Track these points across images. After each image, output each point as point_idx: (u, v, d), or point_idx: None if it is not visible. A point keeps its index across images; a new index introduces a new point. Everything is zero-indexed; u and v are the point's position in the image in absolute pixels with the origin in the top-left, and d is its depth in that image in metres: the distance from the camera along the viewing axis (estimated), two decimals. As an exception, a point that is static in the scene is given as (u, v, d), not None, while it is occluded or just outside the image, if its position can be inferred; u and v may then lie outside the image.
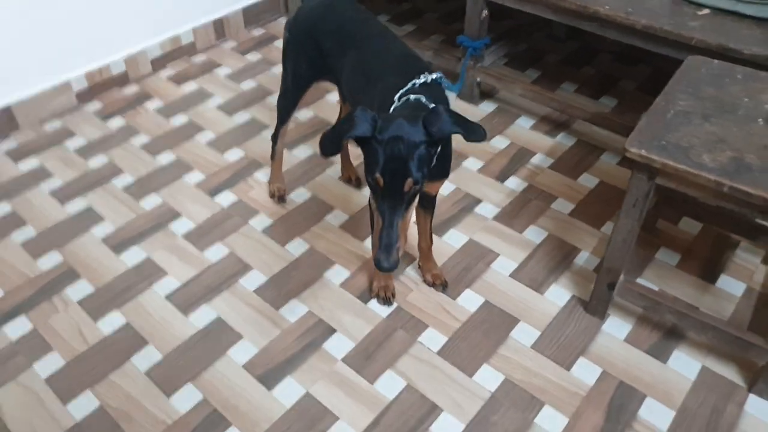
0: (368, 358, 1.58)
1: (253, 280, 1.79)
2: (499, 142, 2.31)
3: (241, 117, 2.44)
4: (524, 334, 1.64)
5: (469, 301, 1.73)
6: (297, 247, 1.90)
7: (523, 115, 2.45)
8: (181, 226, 1.96)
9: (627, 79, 2.63)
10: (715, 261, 1.81)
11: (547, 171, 2.18)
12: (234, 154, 2.25)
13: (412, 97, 1.27)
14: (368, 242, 1.91)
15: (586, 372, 1.55)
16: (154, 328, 1.65)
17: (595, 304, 1.64)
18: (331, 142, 1.19)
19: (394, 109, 1.27)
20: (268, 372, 1.56)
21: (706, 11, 1.86)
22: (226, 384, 1.52)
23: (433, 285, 1.75)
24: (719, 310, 1.68)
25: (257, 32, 3.02)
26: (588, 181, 2.14)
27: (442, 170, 1.38)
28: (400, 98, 1.29)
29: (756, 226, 1.69)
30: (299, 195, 2.08)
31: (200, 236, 1.92)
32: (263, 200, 2.05)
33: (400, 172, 1.13)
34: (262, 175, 2.15)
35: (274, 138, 1.94)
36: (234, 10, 2.98)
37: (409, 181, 1.14)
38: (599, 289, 1.60)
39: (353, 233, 1.95)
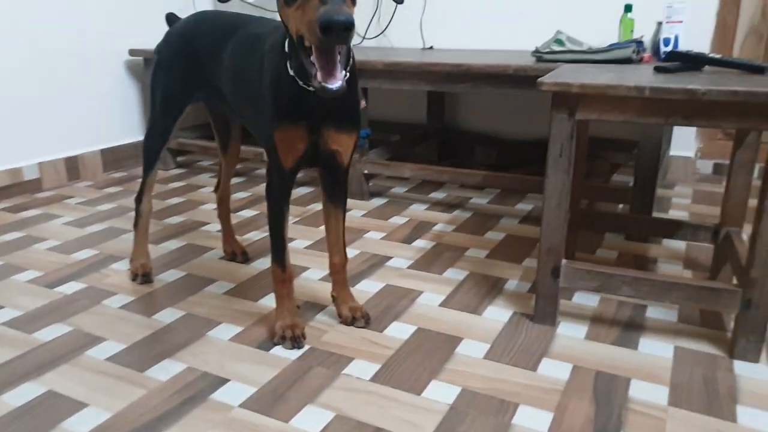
0: (278, 399, 1.19)
1: (106, 349, 1.37)
2: (398, 220, 2.22)
3: (96, 227, 2.14)
4: (472, 348, 1.36)
5: (398, 331, 1.45)
6: (168, 315, 1.53)
7: (415, 202, 2.42)
8: (1, 317, 1.51)
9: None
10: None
11: (452, 233, 2.08)
12: (84, 254, 1.90)
13: None
14: (264, 300, 1.59)
15: (555, 369, 1.28)
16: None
17: (542, 306, 1.43)
18: None
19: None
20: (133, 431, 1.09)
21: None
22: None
23: (353, 320, 1.46)
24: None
25: (118, 174, 2.85)
26: (495, 236, 2.06)
27: (351, 120, 1.24)
28: None
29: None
30: (170, 275, 1.75)
31: (29, 322, 1.49)
32: (122, 283, 1.69)
33: None
34: (122, 266, 1.81)
35: (139, 196, 1.68)
36: (91, 151, 2.82)
37: None
38: (544, 282, 1.41)
39: (243, 296, 1.63)
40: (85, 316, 1.51)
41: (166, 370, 1.29)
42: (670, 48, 2.16)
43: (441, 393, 1.21)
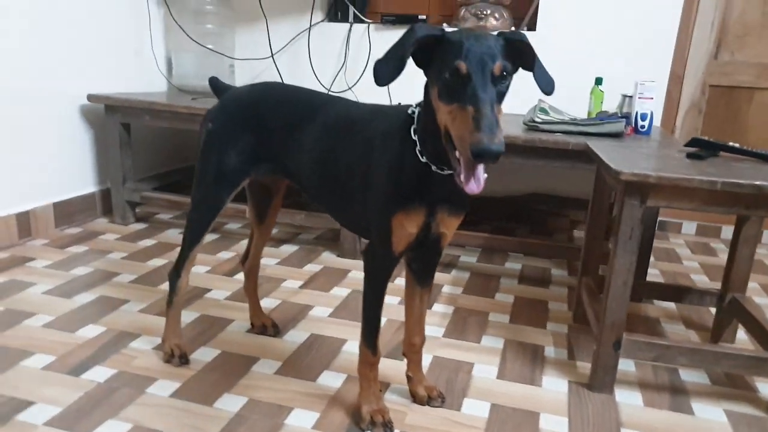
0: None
1: (185, 448, 1.30)
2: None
3: (85, 297, 1.97)
4: (553, 423, 1.44)
5: (474, 407, 1.49)
6: (230, 402, 1.46)
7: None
8: (36, 414, 1.37)
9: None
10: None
11: (464, 296, 2.17)
12: (91, 331, 1.76)
13: None
14: (322, 378, 1.57)
15: (638, 440, 1.38)
16: None
17: (601, 376, 1.55)
18: (392, 58, 1.07)
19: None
20: None
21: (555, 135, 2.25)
22: None
23: (429, 400, 1.47)
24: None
25: (73, 230, 2.63)
26: (505, 298, 2.17)
27: (464, 203, 1.27)
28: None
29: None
30: (203, 354, 1.67)
31: (75, 420, 1.36)
32: (156, 367, 1.59)
33: (488, 55, 1.02)
34: (142, 344, 1.70)
35: (176, 273, 1.59)
36: (43, 204, 2.59)
37: (498, 64, 1.02)
38: (604, 353, 1.53)
39: (298, 375, 1.59)
40: (138, 409, 1.40)
41: (264, 469, 1.24)
42: (647, 123, 2.42)
43: (552, 473, 1.27)
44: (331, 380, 1.56)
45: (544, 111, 2.47)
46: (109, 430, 1.32)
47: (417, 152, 1.18)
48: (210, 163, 1.50)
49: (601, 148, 1.72)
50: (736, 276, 1.82)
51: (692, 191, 1.38)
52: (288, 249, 2.57)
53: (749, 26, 2.84)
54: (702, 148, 1.72)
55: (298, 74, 3.20)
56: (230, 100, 1.52)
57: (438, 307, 2.05)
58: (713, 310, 2.03)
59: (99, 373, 1.54)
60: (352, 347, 1.74)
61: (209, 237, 2.66)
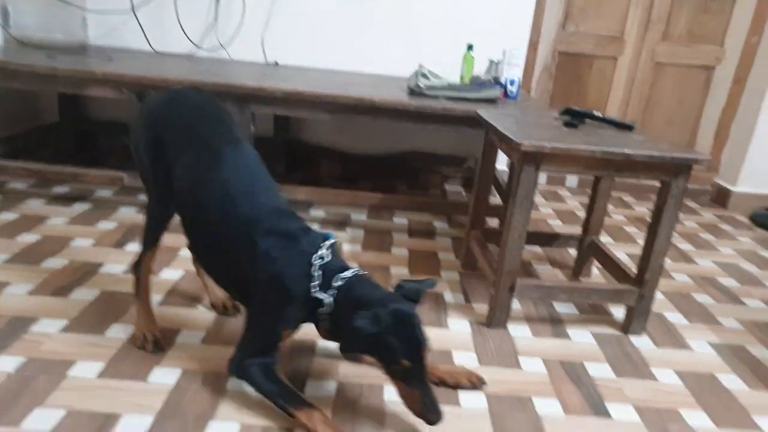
0: None
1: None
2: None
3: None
4: (465, 359, 1.67)
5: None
6: (164, 375, 1.49)
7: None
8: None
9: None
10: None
11: (365, 253, 2.33)
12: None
13: (349, 273, 1.35)
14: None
15: (532, 365, 1.66)
16: None
17: (498, 315, 1.81)
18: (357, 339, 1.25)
19: (344, 290, 1.33)
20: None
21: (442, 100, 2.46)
22: None
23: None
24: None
25: None
26: (400, 252, 2.37)
27: None
28: (333, 278, 1.33)
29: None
30: (118, 331, 1.66)
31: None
32: (70, 349, 1.56)
33: (423, 346, 1.26)
34: (45, 328, 1.64)
35: (136, 266, 1.60)
36: None
37: (428, 351, 1.27)
38: (501, 296, 1.79)
39: (223, 343, 1.65)
40: (66, 394, 1.39)
41: (220, 431, 1.31)
42: (515, 88, 2.71)
43: (472, 399, 1.49)
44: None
45: (425, 76, 2.65)
46: (42, 419, 1.29)
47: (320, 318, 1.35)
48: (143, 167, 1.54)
49: (492, 118, 1.94)
50: (594, 222, 2.18)
51: (577, 159, 1.64)
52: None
53: (589, 1, 3.25)
54: (573, 116, 2.02)
55: (162, 31, 3.05)
56: (143, 111, 1.54)
57: (340, 265, 2.19)
58: (572, 251, 2.41)
59: (6, 363, 1.48)
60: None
61: (80, 207, 2.52)
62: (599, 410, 1.48)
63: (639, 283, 1.81)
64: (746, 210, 3.32)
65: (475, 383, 1.52)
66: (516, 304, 1.99)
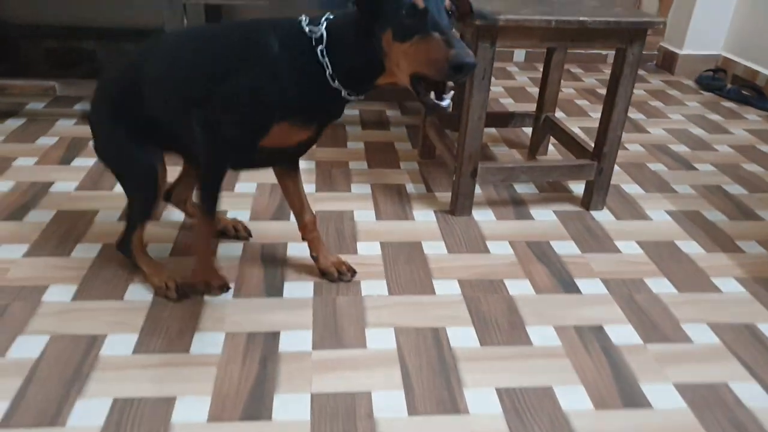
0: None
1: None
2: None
3: None
4: (434, 248, 1.71)
5: (368, 249, 1.70)
6: (138, 292, 1.49)
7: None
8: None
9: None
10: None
11: (319, 149, 2.29)
12: (-70, 252, 1.58)
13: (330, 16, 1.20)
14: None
15: (500, 248, 1.73)
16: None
17: (462, 202, 1.84)
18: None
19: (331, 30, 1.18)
20: (248, 399, 1.19)
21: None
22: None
23: (340, 275, 1.53)
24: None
25: None
26: (356, 146, 2.34)
27: (341, 110, 1.34)
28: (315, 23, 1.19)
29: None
30: (85, 251, 1.62)
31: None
32: (38, 273, 1.52)
33: None
34: (7, 254, 1.59)
35: (122, 245, 1.50)
36: None
37: (447, 1, 1.08)
38: (464, 182, 1.80)
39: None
40: (46, 320, 1.37)
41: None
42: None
43: (446, 287, 1.55)
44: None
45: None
46: (27, 346, 1.29)
47: (328, 77, 1.19)
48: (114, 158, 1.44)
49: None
50: (548, 98, 2.18)
51: (532, 31, 1.61)
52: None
53: None
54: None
55: None
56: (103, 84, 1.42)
57: (301, 164, 2.15)
58: (527, 130, 2.43)
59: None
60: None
61: (14, 123, 2.37)
62: (569, 287, 1.57)
63: (597, 156, 1.85)
64: (692, 74, 3.38)
65: (344, 273, 1.53)
66: (477, 189, 2.02)
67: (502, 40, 1.61)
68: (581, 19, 1.58)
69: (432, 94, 1.09)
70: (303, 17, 1.22)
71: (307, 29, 1.19)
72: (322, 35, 1.18)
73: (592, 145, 1.90)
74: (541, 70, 2.39)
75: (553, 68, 2.12)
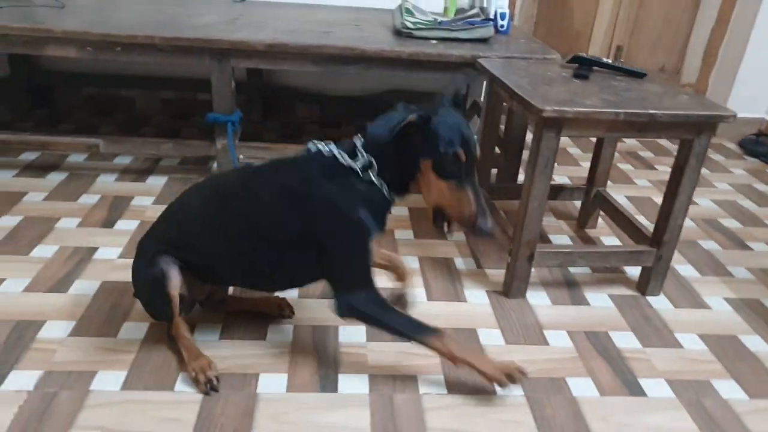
0: None
1: None
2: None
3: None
4: (489, 336, 1.66)
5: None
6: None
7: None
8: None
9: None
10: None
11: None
12: (-26, 328, 1.55)
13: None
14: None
15: (558, 339, 1.67)
16: None
17: (517, 285, 1.79)
18: (385, 127, 1.21)
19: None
20: None
21: (434, 42, 2.31)
22: None
23: None
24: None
25: None
26: (401, 211, 2.30)
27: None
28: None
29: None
30: (133, 331, 1.59)
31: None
32: (88, 359, 1.49)
33: (474, 145, 1.27)
34: (52, 332, 1.56)
35: (170, 333, 1.52)
36: None
37: (479, 154, 1.28)
38: (520, 266, 1.76)
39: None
40: (94, 413, 1.33)
41: None
42: (506, 22, 2.57)
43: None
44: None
45: (409, 12, 2.49)
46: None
47: (385, 193, 1.34)
48: None
49: (499, 70, 1.84)
50: (600, 173, 2.14)
51: (599, 122, 1.57)
52: (157, 181, 2.40)
53: None
54: (582, 65, 1.92)
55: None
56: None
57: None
58: (577, 203, 2.38)
59: (23, 380, 1.40)
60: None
61: (56, 178, 2.36)
62: (633, 388, 1.51)
63: (657, 243, 1.80)
64: (735, 137, 3.33)
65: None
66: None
67: (568, 130, 1.58)
68: (651, 112, 1.55)
69: (445, 225, 1.31)
70: (329, 148, 1.34)
71: (341, 158, 1.32)
72: (371, 162, 1.31)
73: (649, 229, 1.85)
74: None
75: (607, 144, 2.08)
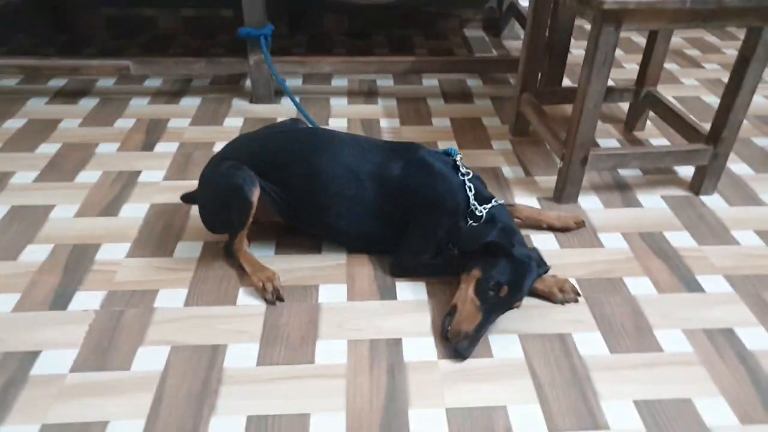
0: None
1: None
2: (337, 123, 2.24)
3: (-3, 211, 1.73)
4: (544, 240, 1.65)
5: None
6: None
7: (333, 96, 2.44)
8: (55, 364, 1.29)
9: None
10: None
11: (404, 127, 2.22)
12: (28, 255, 1.58)
13: (495, 202, 1.48)
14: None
15: (614, 241, 1.66)
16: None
17: (569, 189, 1.77)
18: (473, 240, 1.37)
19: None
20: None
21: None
22: None
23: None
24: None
25: None
26: (442, 122, 2.26)
27: None
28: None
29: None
30: (189, 250, 1.61)
31: (98, 356, 1.30)
32: (149, 278, 1.52)
33: (522, 290, 1.31)
34: (110, 254, 1.59)
35: (228, 250, 1.54)
36: None
37: (521, 301, 1.33)
38: (573, 170, 1.73)
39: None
40: (161, 328, 1.37)
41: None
42: None
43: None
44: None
45: None
46: (149, 358, 1.29)
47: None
48: None
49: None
50: (651, 72, 2.06)
51: (662, 12, 1.49)
52: (191, 102, 2.37)
53: None
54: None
55: None
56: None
57: (386, 145, 2.10)
58: (624, 105, 2.31)
59: (89, 300, 1.44)
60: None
61: (88, 104, 2.35)
62: (691, 285, 1.51)
63: (713, 141, 1.75)
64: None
65: (581, 224, 1.67)
66: (579, 172, 1.94)
67: (628, 23, 1.50)
68: (719, -3, 1.46)
69: (447, 320, 1.33)
70: (471, 186, 1.49)
71: (472, 195, 1.49)
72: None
73: (706, 127, 1.79)
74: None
75: (659, 41, 1.98)
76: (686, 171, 1.94)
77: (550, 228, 1.67)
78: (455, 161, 1.51)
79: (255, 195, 1.44)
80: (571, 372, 1.27)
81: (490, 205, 1.45)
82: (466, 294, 1.32)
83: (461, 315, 1.29)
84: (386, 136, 2.14)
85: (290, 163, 1.49)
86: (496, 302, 1.30)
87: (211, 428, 1.15)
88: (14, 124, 2.19)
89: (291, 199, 1.50)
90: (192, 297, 1.45)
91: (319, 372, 1.27)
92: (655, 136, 2.18)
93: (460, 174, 1.49)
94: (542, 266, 1.38)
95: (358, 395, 1.22)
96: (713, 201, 1.82)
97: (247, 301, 1.45)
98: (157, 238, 1.64)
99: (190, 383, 1.24)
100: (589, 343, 1.34)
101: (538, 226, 1.67)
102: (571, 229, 1.66)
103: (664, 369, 1.28)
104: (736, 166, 2.01)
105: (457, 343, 1.27)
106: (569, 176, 1.74)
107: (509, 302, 1.31)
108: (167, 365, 1.28)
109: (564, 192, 1.77)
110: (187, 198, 1.66)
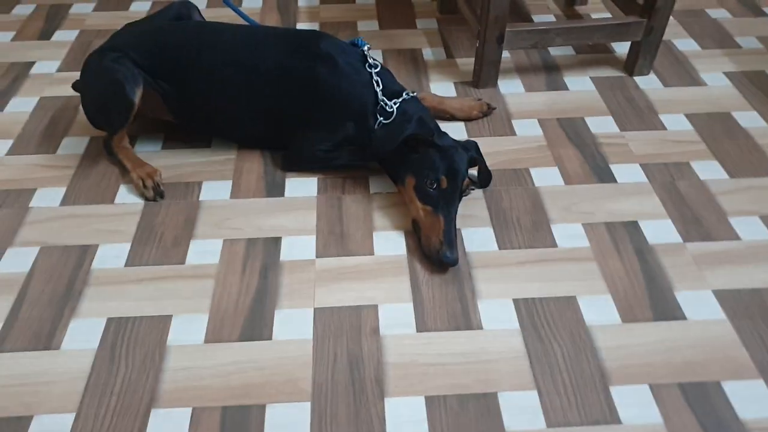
0: (339, 237, 1.29)
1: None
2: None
3: None
4: (454, 131, 1.54)
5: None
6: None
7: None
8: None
9: None
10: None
11: (326, 6, 2.05)
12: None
13: (406, 94, 1.37)
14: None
15: (529, 128, 1.55)
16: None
17: (487, 71, 1.63)
18: (389, 140, 1.28)
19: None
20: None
21: None
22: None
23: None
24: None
25: None
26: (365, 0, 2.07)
27: None
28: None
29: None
30: (71, 145, 1.52)
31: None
32: (27, 177, 1.44)
33: (461, 173, 1.25)
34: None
35: (107, 146, 1.45)
36: None
37: (466, 181, 1.27)
38: (488, 50, 1.58)
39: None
40: (38, 229, 1.31)
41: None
42: None
43: (465, 180, 1.42)
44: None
45: None
46: (16, 260, 1.24)
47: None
48: None
49: None
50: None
51: None
52: None
53: None
54: None
55: None
56: None
57: (302, 26, 1.94)
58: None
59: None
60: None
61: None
62: (603, 175, 1.42)
63: (648, 12, 1.59)
64: None
65: (486, 112, 1.55)
66: (505, 54, 1.80)
67: None
68: None
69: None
70: (378, 71, 1.39)
71: (378, 86, 1.37)
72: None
73: (643, -3, 1.62)
74: None
75: None
76: (624, 49, 1.78)
77: (453, 117, 1.54)
78: (363, 52, 1.38)
79: (137, 94, 1.34)
80: (453, 270, 1.21)
81: (400, 99, 1.34)
82: (416, 204, 1.25)
83: (424, 227, 1.23)
84: (302, 17, 1.97)
85: (180, 60, 1.38)
86: (445, 196, 1.23)
87: (69, 331, 1.12)
88: None
89: (182, 98, 1.40)
90: (70, 196, 1.39)
91: (188, 273, 1.22)
92: (600, 10, 1.99)
93: (367, 66, 1.36)
94: (469, 151, 1.31)
95: (224, 296, 1.17)
96: (647, 82, 1.69)
97: (126, 199, 1.38)
98: (42, 133, 1.55)
99: (54, 285, 1.20)
100: (478, 239, 1.28)
101: (443, 116, 1.54)
102: (474, 118, 1.55)
103: (554, 265, 1.23)
104: (681, 42, 1.85)
105: (438, 254, 1.19)
106: (485, 57, 1.60)
107: (456, 189, 1.24)
108: (34, 266, 1.23)
109: (481, 75, 1.64)
110: (78, 86, 1.55)
